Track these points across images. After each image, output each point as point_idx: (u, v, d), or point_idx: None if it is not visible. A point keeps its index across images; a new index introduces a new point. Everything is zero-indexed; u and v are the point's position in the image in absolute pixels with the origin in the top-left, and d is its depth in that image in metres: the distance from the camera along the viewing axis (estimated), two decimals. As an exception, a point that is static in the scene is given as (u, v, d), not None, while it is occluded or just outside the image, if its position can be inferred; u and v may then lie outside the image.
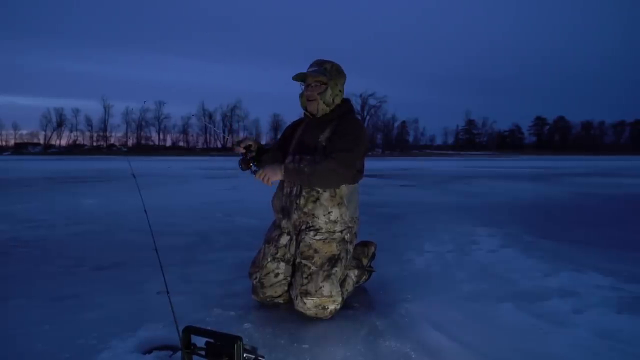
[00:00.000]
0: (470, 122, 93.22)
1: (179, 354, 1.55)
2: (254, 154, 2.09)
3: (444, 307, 2.07)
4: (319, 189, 2.00)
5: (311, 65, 2.08)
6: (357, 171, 2.07)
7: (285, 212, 2.09)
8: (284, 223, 2.12)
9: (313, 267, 1.94)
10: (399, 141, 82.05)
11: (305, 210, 2.02)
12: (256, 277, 2.08)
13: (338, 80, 2.06)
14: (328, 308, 1.90)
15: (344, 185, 2.03)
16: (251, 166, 2.01)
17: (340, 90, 2.07)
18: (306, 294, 1.89)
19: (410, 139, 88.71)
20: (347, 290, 2.11)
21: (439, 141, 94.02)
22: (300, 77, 2.08)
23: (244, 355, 1.32)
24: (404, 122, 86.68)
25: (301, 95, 2.11)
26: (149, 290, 2.31)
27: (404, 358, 1.61)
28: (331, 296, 1.89)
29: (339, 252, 2.01)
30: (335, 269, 1.97)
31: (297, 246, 2.05)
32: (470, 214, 5.06)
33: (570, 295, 2.25)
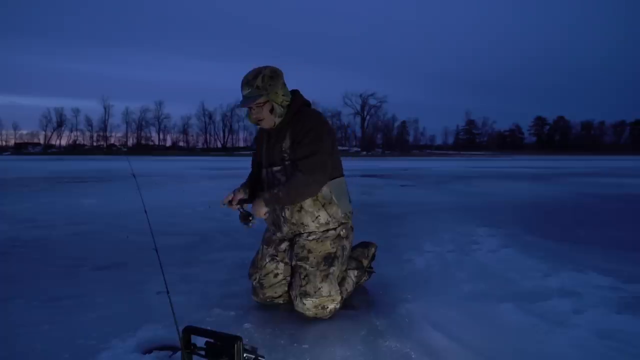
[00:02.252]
0: (470, 122, 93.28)
1: (179, 354, 1.55)
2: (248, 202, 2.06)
3: (444, 307, 2.07)
4: None
5: (243, 87, 1.94)
6: (333, 168, 2.00)
7: (277, 225, 2.09)
8: (278, 235, 2.12)
9: (309, 268, 1.93)
10: (399, 141, 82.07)
11: (293, 221, 2.01)
12: (255, 278, 2.08)
13: (276, 87, 1.93)
14: (328, 307, 1.89)
15: (324, 186, 1.97)
16: (250, 219, 1.95)
17: (283, 94, 1.96)
18: (305, 295, 1.89)
19: (410, 139, 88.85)
20: (346, 290, 2.10)
21: (439, 141, 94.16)
22: (243, 105, 1.97)
23: (244, 355, 1.32)
24: (404, 122, 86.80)
25: (248, 116, 2.01)
26: (149, 290, 2.31)
27: (404, 358, 1.61)
28: (330, 296, 1.89)
29: (334, 249, 1.99)
30: (333, 268, 1.96)
31: (292, 249, 2.05)
32: (470, 214, 5.06)
33: (570, 295, 2.25)
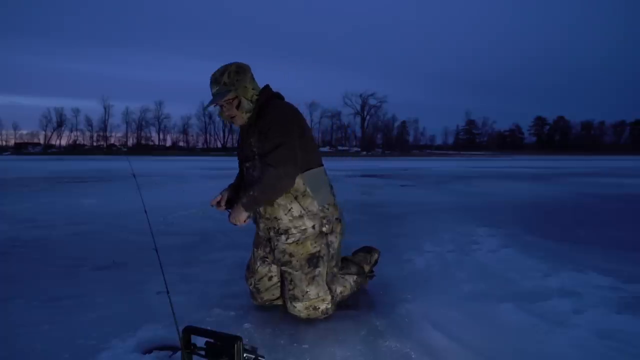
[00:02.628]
0: (470, 122, 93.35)
1: (179, 354, 1.55)
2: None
3: (444, 307, 2.07)
4: None
5: (212, 86, 1.92)
6: (307, 160, 1.92)
7: (255, 222, 2.07)
8: (260, 233, 2.09)
9: (294, 272, 1.90)
10: (399, 141, 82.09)
11: (267, 215, 1.96)
12: (251, 283, 2.07)
13: (244, 82, 1.90)
14: (319, 308, 1.88)
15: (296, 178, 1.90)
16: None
17: (252, 88, 1.93)
18: (294, 299, 1.88)
19: (410, 139, 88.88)
20: (341, 293, 2.02)
21: (439, 141, 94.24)
22: (212, 103, 1.93)
23: (244, 355, 1.32)
24: (404, 122, 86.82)
25: (220, 113, 1.98)
26: (149, 290, 2.31)
27: (404, 358, 1.61)
28: (319, 297, 1.88)
29: (317, 249, 1.93)
30: (318, 269, 1.91)
31: (274, 253, 2.01)
32: (470, 214, 5.06)
33: (570, 295, 2.25)
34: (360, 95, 76.57)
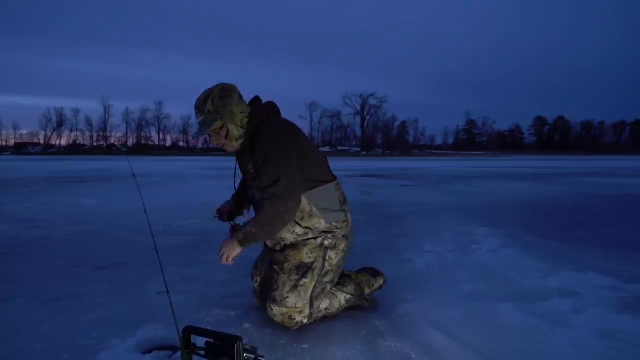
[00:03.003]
0: (470, 122, 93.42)
1: (179, 354, 1.55)
2: (242, 214, 2.06)
3: (444, 307, 2.07)
4: None
5: (197, 115, 1.81)
6: (311, 179, 1.83)
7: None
8: (267, 243, 2.06)
9: (282, 275, 1.85)
10: (399, 141, 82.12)
11: (273, 236, 1.92)
12: (257, 281, 2.06)
13: (230, 106, 1.77)
14: (295, 319, 1.78)
15: (302, 200, 1.82)
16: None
17: (241, 111, 1.80)
18: (273, 301, 1.81)
19: (410, 139, 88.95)
20: (325, 309, 1.89)
21: (439, 141, 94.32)
22: (198, 135, 1.84)
23: (244, 355, 1.32)
24: (404, 122, 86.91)
25: (213, 140, 1.89)
26: (149, 290, 2.31)
27: (404, 358, 1.61)
28: (296, 307, 1.77)
29: (311, 260, 1.85)
30: (305, 280, 1.82)
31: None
32: (470, 214, 5.06)
33: (570, 295, 2.25)
34: (360, 95, 76.67)
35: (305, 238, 1.88)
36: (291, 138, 1.79)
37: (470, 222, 4.47)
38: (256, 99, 1.89)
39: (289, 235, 1.88)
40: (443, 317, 1.95)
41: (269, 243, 1.99)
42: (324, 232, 1.88)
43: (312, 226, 1.86)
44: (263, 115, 1.84)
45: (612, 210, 5.82)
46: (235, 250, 1.77)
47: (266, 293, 1.99)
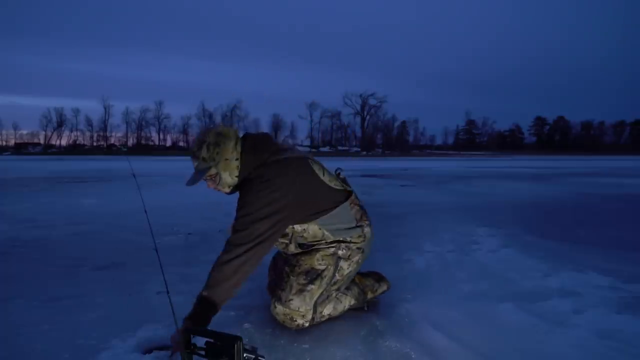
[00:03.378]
0: (470, 122, 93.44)
1: (178, 354, 1.55)
2: None
3: (444, 307, 2.07)
4: (287, 241, 1.86)
5: (192, 160, 1.80)
6: (317, 208, 1.79)
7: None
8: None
9: (291, 276, 1.85)
10: (399, 141, 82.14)
11: (286, 254, 1.97)
12: (271, 276, 2.11)
13: (225, 154, 1.74)
14: (296, 321, 1.78)
15: (310, 225, 1.81)
16: None
17: (236, 158, 1.77)
18: (278, 299, 1.81)
19: (410, 139, 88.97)
20: (328, 314, 1.88)
21: (439, 141, 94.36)
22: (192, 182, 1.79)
23: (244, 356, 1.32)
24: (404, 122, 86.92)
25: (208, 185, 1.87)
26: (149, 290, 2.31)
27: (404, 358, 1.61)
28: (299, 311, 1.78)
29: (322, 267, 1.84)
30: (312, 286, 1.81)
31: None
32: (470, 214, 5.06)
33: (570, 295, 2.25)
34: (360, 95, 76.69)
35: (318, 246, 1.88)
36: (278, 196, 1.69)
37: (470, 222, 4.47)
38: (247, 139, 1.83)
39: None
40: (443, 317, 1.95)
41: (284, 256, 2.02)
42: (337, 241, 1.87)
43: (326, 240, 1.87)
44: (256, 162, 1.78)
45: (612, 210, 5.82)
46: (181, 345, 1.46)
47: (275, 289, 1.99)
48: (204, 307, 1.58)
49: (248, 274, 1.66)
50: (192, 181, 1.76)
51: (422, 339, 1.74)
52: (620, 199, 7.14)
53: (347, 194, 1.94)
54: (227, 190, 1.83)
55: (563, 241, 3.58)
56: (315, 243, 1.87)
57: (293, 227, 1.82)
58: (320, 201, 1.83)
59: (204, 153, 1.74)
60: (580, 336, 1.77)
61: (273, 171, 1.73)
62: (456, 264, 2.87)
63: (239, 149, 1.79)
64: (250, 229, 1.64)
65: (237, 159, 1.78)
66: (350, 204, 1.92)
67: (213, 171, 1.75)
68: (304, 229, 1.83)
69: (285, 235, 1.85)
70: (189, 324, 1.53)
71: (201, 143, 1.76)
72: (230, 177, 1.78)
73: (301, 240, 1.86)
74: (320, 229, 1.83)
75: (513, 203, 6.33)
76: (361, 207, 1.98)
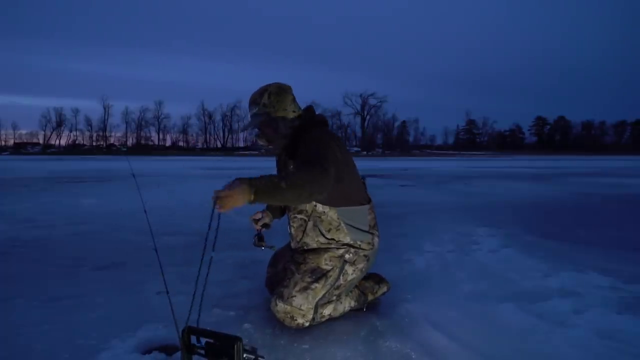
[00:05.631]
0: (470, 122, 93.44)
1: (178, 354, 1.55)
2: (269, 228, 2.07)
3: (444, 307, 2.07)
4: (306, 218, 1.87)
5: (250, 107, 1.87)
6: (344, 197, 1.82)
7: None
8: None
9: (296, 274, 1.85)
10: (399, 141, 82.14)
11: (297, 239, 1.94)
12: (269, 272, 2.11)
13: (284, 103, 1.83)
14: (296, 320, 1.77)
15: (331, 211, 1.83)
16: (263, 244, 1.99)
17: (293, 110, 1.86)
18: (280, 296, 1.80)
19: (410, 139, 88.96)
20: (329, 315, 1.89)
21: (439, 141, 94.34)
22: (250, 125, 1.86)
23: (244, 356, 1.32)
24: (404, 122, 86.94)
25: (258, 137, 1.93)
26: (149, 290, 2.31)
27: (404, 358, 1.61)
28: (301, 309, 1.77)
29: (328, 267, 1.85)
30: (316, 285, 1.81)
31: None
32: (470, 214, 5.06)
33: (571, 295, 2.24)
34: (360, 95, 76.70)
35: (327, 246, 1.89)
36: (335, 147, 1.77)
37: (470, 222, 4.47)
38: (309, 108, 1.95)
39: (312, 242, 1.90)
40: (443, 317, 1.95)
41: (292, 245, 2.01)
42: (347, 244, 1.88)
43: (337, 238, 1.87)
44: (313, 120, 1.89)
45: (613, 210, 5.82)
46: (239, 199, 1.40)
47: (276, 285, 1.98)
48: (270, 176, 1.50)
49: (313, 196, 1.56)
50: (250, 124, 1.83)
51: (422, 339, 1.74)
52: (621, 199, 7.14)
53: (368, 200, 1.99)
54: (281, 140, 1.86)
55: (563, 241, 3.58)
56: (327, 240, 1.87)
57: (315, 206, 1.84)
58: (353, 190, 1.89)
59: (264, 99, 1.83)
60: (580, 336, 1.77)
61: (326, 135, 1.82)
62: (456, 264, 2.87)
63: (296, 104, 1.89)
64: (321, 154, 1.67)
65: (294, 112, 1.86)
66: (370, 209, 1.96)
67: (268, 117, 1.81)
68: (324, 212, 1.85)
69: (304, 211, 1.88)
70: (257, 184, 1.42)
71: (263, 91, 1.85)
72: (284, 127, 1.84)
73: (317, 222, 1.87)
74: (338, 218, 1.85)
75: (513, 203, 6.33)
76: (375, 217, 2.01)
